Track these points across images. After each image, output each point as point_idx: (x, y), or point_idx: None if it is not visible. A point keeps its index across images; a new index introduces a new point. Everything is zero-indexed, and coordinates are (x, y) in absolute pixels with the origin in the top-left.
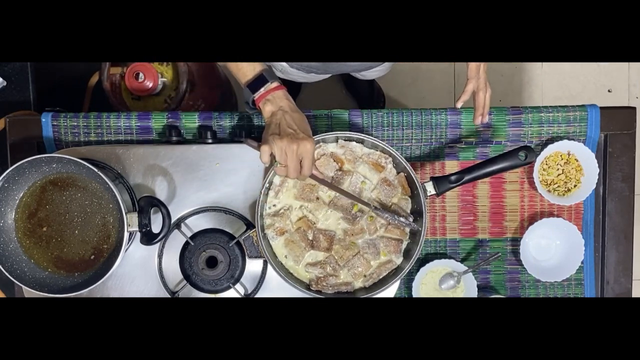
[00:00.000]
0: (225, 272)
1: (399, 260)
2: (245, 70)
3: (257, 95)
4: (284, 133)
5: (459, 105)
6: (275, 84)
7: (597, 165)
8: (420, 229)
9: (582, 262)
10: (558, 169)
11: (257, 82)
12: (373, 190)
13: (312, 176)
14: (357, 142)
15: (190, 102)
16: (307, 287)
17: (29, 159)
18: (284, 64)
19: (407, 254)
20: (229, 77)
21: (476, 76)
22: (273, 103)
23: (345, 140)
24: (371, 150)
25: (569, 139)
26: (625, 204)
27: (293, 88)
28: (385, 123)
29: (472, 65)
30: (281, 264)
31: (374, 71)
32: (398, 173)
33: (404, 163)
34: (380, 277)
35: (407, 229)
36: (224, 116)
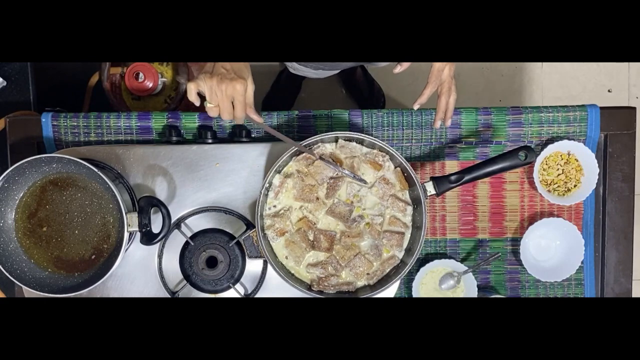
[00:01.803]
0: (225, 272)
1: (401, 254)
2: None
3: None
4: (215, 72)
5: (416, 107)
6: None
7: (597, 165)
8: (365, 184)
9: (582, 262)
10: (558, 169)
11: None
12: (372, 188)
13: (249, 118)
14: (356, 142)
15: (190, 102)
16: (309, 287)
17: (29, 159)
18: None
19: (408, 252)
20: None
21: (436, 80)
22: None
23: (345, 140)
24: (369, 150)
25: (569, 139)
26: (625, 204)
27: (293, 87)
28: (385, 123)
29: (434, 68)
30: (282, 264)
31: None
32: (395, 168)
33: (403, 163)
34: (385, 273)
35: (408, 218)
36: None
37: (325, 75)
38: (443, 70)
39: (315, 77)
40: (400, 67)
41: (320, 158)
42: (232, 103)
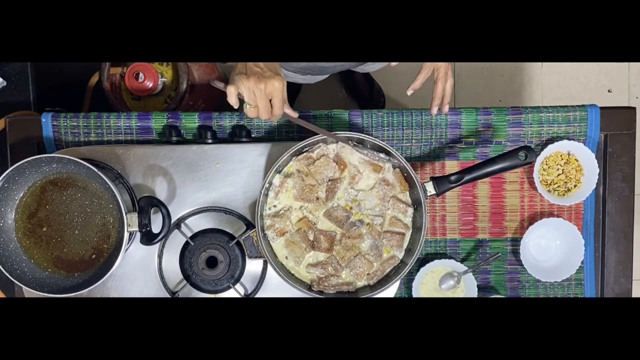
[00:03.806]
0: (225, 272)
1: (401, 255)
2: None
3: None
4: (250, 72)
5: (409, 92)
6: None
7: (597, 165)
8: (396, 161)
9: (582, 262)
10: (558, 169)
11: None
12: (372, 189)
13: (286, 115)
14: (357, 143)
15: (190, 102)
16: (309, 287)
17: (29, 159)
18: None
19: (408, 253)
20: (229, 76)
21: (430, 66)
22: None
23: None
24: (369, 151)
25: (569, 139)
26: (625, 204)
27: (293, 88)
28: (385, 123)
29: None
30: (282, 264)
31: (370, 65)
32: (395, 169)
33: (403, 163)
34: (385, 273)
35: (408, 219)
36: (224, 116)
37: (314, 81)
38: None
39: (305, 83)
40: (410, 90)
41: (355, 145)
42: (270, 101)
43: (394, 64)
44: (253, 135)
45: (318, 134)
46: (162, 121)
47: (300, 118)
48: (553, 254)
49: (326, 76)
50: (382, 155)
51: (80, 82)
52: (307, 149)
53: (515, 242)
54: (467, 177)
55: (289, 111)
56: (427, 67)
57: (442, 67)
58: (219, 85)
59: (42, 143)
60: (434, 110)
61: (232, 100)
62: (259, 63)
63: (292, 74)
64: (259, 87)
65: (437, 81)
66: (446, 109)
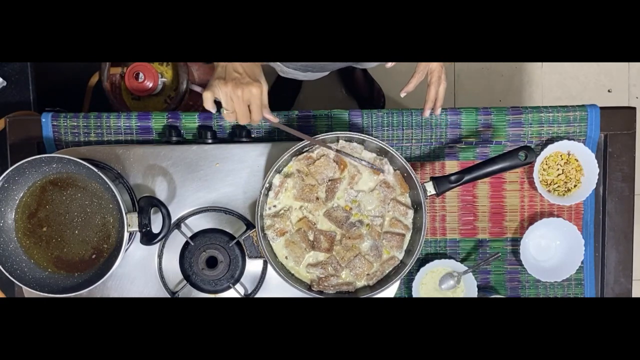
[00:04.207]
0: (225, 272)
1: (401, 255)
2: None
3: None
4: (229, 77)
5: (402, 95)
6: None
7: (597, 165)
8: (364, 220)
9: (582, 262)
10: (558, 169)
11: None
12: (372, 191)
13: (266, 119)
14: (357, 143)
15: (190, 102)
16: (309, 287)
17: (29, 159)
18: (280, 65)
19: (408, 253)
20: None
21: (424, 68)
22: None
23: (346, 141)
24: (369, 154)
25: (569, 139)
26: (625, 204)
27: (293, 87)
28: (385, 123)
29: None
30: (282, 264)
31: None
32: (395, 171)
33: (403, 163)
34: (385, 274)
35: (409, 221)
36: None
37: (315, 78)
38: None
39: (305, 80)
40: (403, 93)
41: (337, 151)
42: (249, 107)
43: (389, 65)
44: (253, 135)
45: (318, 135)
46: (162, 121)
47: (298, 117)
48: (553, 254)
49: (327, 73)
50: (372, 162)
51: (80, 82)
52: (307, 149)
53: (515, 242)
54: (467, 177)
55: (269, 116)
56: (421, 70)
57: (436, 70)
58: (197, 88)
59: (42, 143)
60: (427, 112)
61: (208, 106)
62: (238, 67)
63: (293, 70)
64: (237, 93)
65: (430, 85)
66: (438, 111)
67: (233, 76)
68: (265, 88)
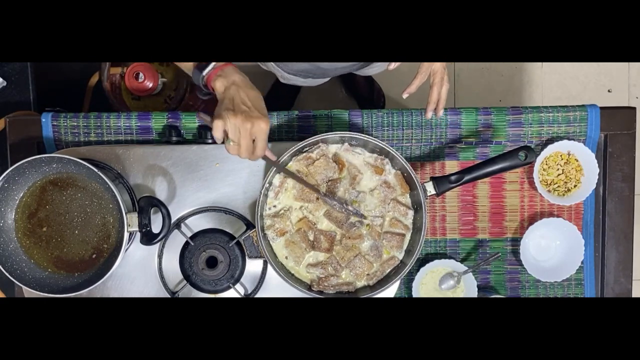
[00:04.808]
0: (225, 272)
1: (401, 255)
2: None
3: (206, 73)
4: (237, 109)
5: (405, 96)
6: (223, 62)
7: (597, 165)
8: (364, 220)
9: (582, 262)
10: (558, 169)
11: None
12: (373, 191)
13: (265, 157)
14: (362, 148)
15: (190, 102)
16: (309, 287)
17: (29, 159)
18: (281, 70)
19: (408, 253)
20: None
21: (427, 70)
22: (225, 78)
23: (351, 145)
24: (371, 155)
25: (569, 139)
26: (625, 204)
27: (293, 88)
28: (385, 123)
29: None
30: (282, 264)
31: (372, 68)
32: (396, 171)
33: (403, 163)
34: (385, 274)
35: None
36: None
37: (315, 84)
38: (434, 62)
39: (305, 86)
40: (406, 94)
41: (325, 195)
42: (253, 141)
43: (392, 67)
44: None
45: (318, 135)
46: (162, 121)
47: (298, 117)
48: (553, 254)
49: (327, 79)
50: (350, 207)
51: (80, 82)
52: (307, 149)
53: (515, 242)
54: (467, 177)
55: (269, 154)
56: (424, 71)
57: (439, 72)
58: (205, 118)
59: (42, 143)
60: (429, 114)
61: (218, 135)
62: (246, 100)
63: (293, 77)
64: (245, 125)
65: (433, 86)
66: (440, 113)
67: (242, 109)
68: (269, 124)
